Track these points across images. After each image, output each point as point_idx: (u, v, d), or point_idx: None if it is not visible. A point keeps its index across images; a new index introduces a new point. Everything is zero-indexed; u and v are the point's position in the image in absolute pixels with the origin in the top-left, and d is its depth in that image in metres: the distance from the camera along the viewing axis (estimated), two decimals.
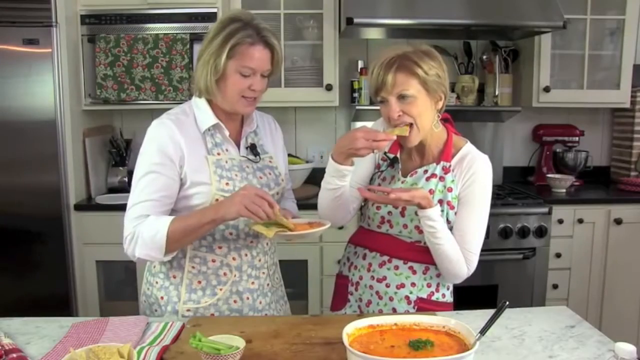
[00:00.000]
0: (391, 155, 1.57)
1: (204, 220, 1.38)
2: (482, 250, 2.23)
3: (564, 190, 3.03)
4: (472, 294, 2.74)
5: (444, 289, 1.58)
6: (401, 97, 1.42)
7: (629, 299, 2.90)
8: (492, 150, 3.28)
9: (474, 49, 3.24)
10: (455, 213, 1.50)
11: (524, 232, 2.70)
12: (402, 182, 1.54)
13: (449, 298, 1.60)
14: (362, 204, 1.63)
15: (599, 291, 2.90)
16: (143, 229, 1.40)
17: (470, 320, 1.23)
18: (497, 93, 3.12)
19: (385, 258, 1.56)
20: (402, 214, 1.51)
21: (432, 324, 1.19)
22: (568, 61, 3.12)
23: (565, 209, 2.82)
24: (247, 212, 1.33)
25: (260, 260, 1.58)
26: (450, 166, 1.51)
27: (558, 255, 2.83)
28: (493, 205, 2.67)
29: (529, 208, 2.74)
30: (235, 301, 1.55)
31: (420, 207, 1.41)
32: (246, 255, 1.55)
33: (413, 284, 1.54)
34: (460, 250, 1.47)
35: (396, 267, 1.55)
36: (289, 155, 2.45)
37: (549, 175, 3.12)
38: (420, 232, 1.48)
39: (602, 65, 3.15)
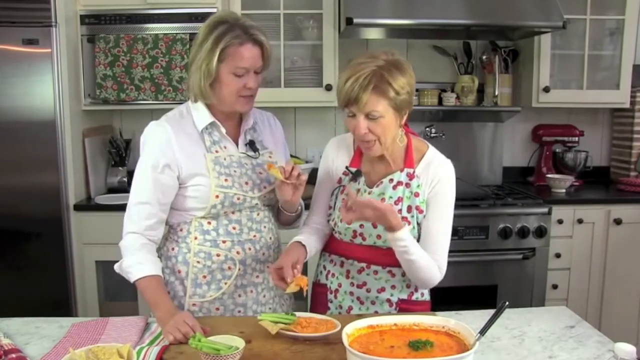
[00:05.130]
0: (353, 169, 1.56)
1: (151, 307, 1.45)
2: (482, 250, 2.23)
3: (564, 191, 3.03)
4: (472, 294, 2.75)
5: (422, 289, 1.60)
6: (370, 116, 1.41)
7: (628, 299, 2.90)
8: (492, 150, 3.29)
9: (474, 49, 3.24)
10: (424, 217, 1.51)
11: (523, 232, 2.70)
12: (369, 194, 1.54)
13: (427, 296, 1.63)
14: (330, 219, 1.60)
15: (598, 291, 2.90)
16: (127, 255, 1.49)
17: (470, 321, 1.23)
18: (496, 93, 3.11)
19: (364, 264, 1.56)
20: (374, 226, 1.50)
21: (431, 324, 1.19)
22: (568, 61, 3.12)
23: (564, 209, 2.82)
24: (172, 340, 1.30)
25: (264, 254, 1.60)
26: (414, 172, 1.52)
27: (558, 256, 2.82)
28: (493, 205, 2.74)
29: (529, 208, 2.73)
30: (239, 295, 1.57)
31: (390, 228, 1.39)
32: (250, 249, 1.56)
33: (393, 287, 1.56)
34: (430, 254, 1.47)
35: (375, 272, 1.56)
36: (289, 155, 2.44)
37: (549, 176, 3.12)
38: None
39: (601, 65, 3.15)
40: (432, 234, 1.50)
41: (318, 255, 1.68)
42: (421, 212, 1.51)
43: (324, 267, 1.66)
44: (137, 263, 1.47)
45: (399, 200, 1.50)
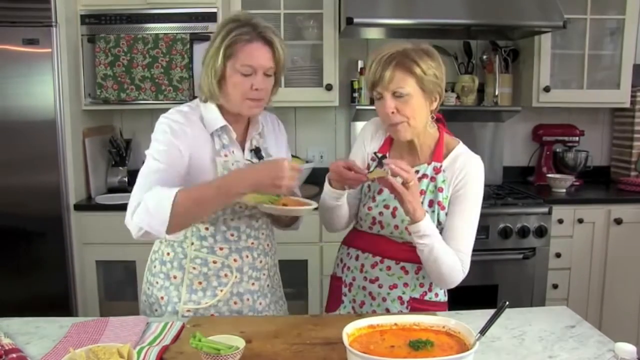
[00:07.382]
0: (380, 155, 1.56)
1: (210, 190, 1.33)
2: (482, 250, 2.20)
3: (564, 190, 3.03)
4: (472, 294, 2.75)
5: (436, 289, 1.58)
6: (397, 95, 1.41)
7: (629, 298, 2.90)
8: (492, 150, 3.29)
9: (474, 49, 3.24)
10: (446, 213, 1.49)
11: (524, 232, 2.70)
12: None
13: (442, 297, 1.60)
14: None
15: (599, 291, 2.90)
16: (148, 198, 1.33)
17: (470, 320, 1.23)
18: (497, 93, 3.12)
19: (378, 259, 1.56)
20: (393, 215, 1.51)
21: (432, 324, 1.19)
22: (568, 61, 3.12)
23: (565, 208, 2.82)
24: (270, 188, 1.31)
25: (261, 262, 1.58)
26: (441, 166, 1.51)
27: (558, 255, 2.82)
28: (493, 205, 2.74)
29: (529, 208, 2.74)
30: (235, 302, 1.55)
31: (411, 217, 1.39)
32: (247, 256, 1.55)
33: (406, 284, 1.55)
34: (454, 252, 1.45)
35: (388, 268, 1.55)
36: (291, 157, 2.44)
37: (549, 175, 3.12)
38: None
39: (602, 65, 3.14)
40: (454, 229, 1.46)
41: (338, 248, 1.71)
42: (443, 208, 1.48)
43: (341, 260, 1.67)
44: (157, 192, 1.32)
45: (422, 193, 1.48)
